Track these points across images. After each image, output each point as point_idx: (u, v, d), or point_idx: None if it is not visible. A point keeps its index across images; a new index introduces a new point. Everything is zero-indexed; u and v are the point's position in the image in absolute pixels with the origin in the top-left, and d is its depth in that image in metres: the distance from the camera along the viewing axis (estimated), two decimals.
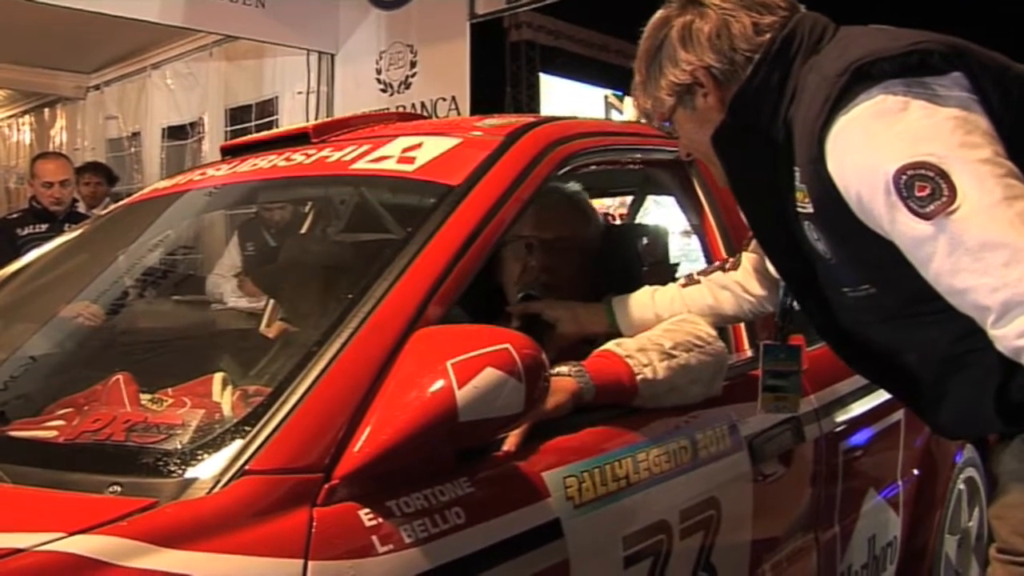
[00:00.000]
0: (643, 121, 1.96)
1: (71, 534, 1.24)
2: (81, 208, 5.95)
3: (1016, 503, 1.44)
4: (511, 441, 1.66)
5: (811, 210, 1.61)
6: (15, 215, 5.81)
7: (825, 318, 1.81)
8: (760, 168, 1.71)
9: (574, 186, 2.48)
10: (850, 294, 1.68)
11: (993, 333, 1.36)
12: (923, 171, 1.38)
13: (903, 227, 1.42)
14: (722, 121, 1.74)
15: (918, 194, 1.38)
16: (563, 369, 1.85)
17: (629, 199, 3.56)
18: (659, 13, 1.79)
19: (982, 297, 1.35)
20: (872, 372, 1.92)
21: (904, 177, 1.39)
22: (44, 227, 5.34)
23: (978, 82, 1.47)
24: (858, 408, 2.56)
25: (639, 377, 1.89)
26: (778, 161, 1.66)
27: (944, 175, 1.36)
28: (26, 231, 5.37)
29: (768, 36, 1.68)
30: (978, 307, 1.37)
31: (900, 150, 1.41)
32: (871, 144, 1.46)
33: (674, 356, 1.96)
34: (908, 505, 2.86)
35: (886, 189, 1.41)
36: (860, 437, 2.60)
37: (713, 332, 2.07)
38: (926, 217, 1.37)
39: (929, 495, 2.98)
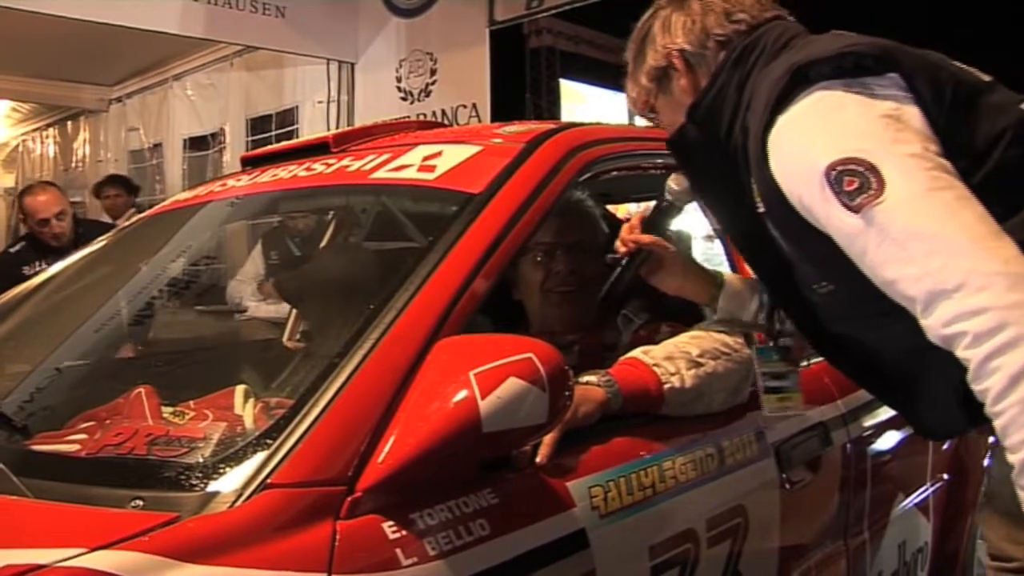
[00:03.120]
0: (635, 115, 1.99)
1: (92, 550, 1.24)
2: (104, 218, 5.76)
3: (1005, 510, 1.42)
4: (543, 452, 1.65)
5: (763, 209, 1.66)
6: (15, 249, 5.46)
7: (807, 320, 1.82)
8: (725, 171, 1.75)
9: (585, 191, 2.46)
10: (819, 291, 1.71)
11: (922, 323, 1.36)
12: (852, 166, 1.41)
13: (837, 222, 1.45)
14: (680, 126, 1.80)
15: (847, 188, 1.41)
16: (591, 378, 1.83)
17: (651, 204, 3.54)
18: (650, 9, 1.88)
19: (908, 287, 1.37)
20: (855, 373, 1.92)
21: (834, 172, 1.43)
22: (50, 262, 4.92)
23: (912, 82, 1.51)
24: (885, 412, 2.53)
25: (666, 386, 1.88)
26: (742, 164, 1.69)
27: (874, 169, 1.40)
28: (33, 270, 5.00)
29: (740, 27, 1.75)
30: (907, 297, 1.38)
31: (832, 146, 1.46)
32: (807, 141, 1.51)
33: (701, 364, 1.94)
34: (938, 510, 2.83)
35: (820, 184, 1.45)
36: (888, 441, 2.57)
37: (740, 339, 2.05)
38: (855, 210, 1.41)
39: (959, 499, 2.95)
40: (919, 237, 1.35)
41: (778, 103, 1.55)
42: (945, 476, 2.87)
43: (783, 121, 1.55)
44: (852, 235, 1.43)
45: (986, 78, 1.62)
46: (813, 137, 1.51)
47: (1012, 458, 1.28)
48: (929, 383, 1.42)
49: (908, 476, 2.72)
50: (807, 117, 1.52)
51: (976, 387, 1.30)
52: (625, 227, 2.07)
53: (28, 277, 4.83)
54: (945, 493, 2.86)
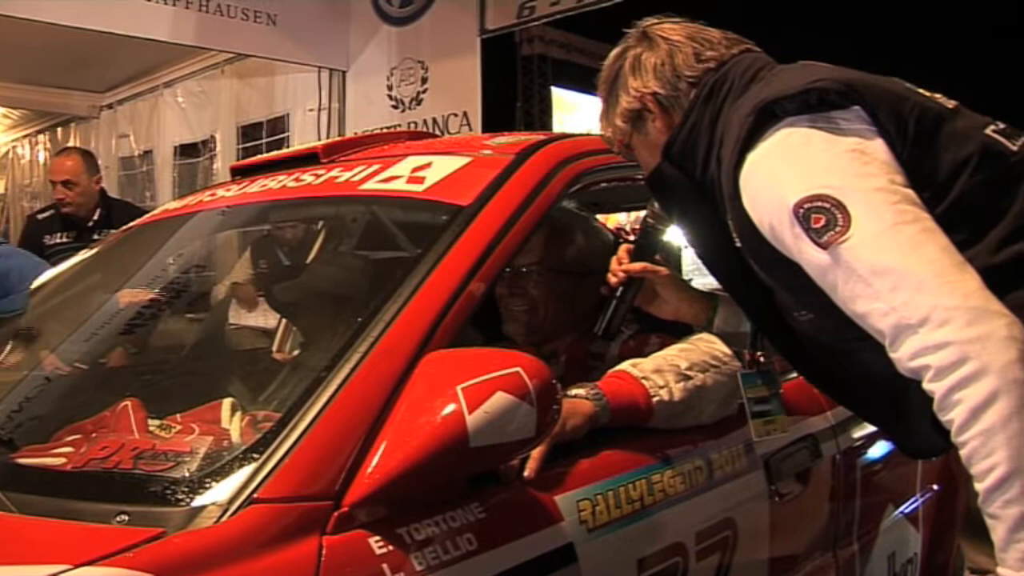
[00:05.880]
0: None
1: (77, 566, 1.23)
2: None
3: (981, 523, 1.45)
4: (531, 466, 1.65)
5: (739, 243, 1.69)
6: (43, 215, 5.42)
7: (790, 346, 1.85)
8: (703, 207, 1.78)
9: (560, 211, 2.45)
10: (799, 319, 1.73)
11: (891, 356, 1.40)
12: (820, 203, 1.45)
13: (808, 257, 1.48)
14: (656, 165, 1.82)
15: (814, 225, 1.45)
16: (580, 392, 1.83)
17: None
18: (618, 46, 1.90)
19: (876, 321, 1.40)
20: (839, 394, 1.97)
21: (802, 210, 1.46)
22: (72, 236, 5.07)
23: (875, 115, 1.54)
24: None
25: (655, 399, 1.88)
26: (718, 199, 1.72)
27: (840, 206, 1.43)
28: (53, 240, 5.10)
29: (710, 65, 1.78)
30: (876, 331, 1.42)
31: (800, 183, 1.49)
32: (776, 178, 1.54)
33: (690, 377, 1.94)
34: (928, 521, 2.83)
35: (790, 222, 1.48)
36: (877, 452, 2.57)
37: (729, 351, 2.05)
38: (823, 247, 1.44)
39: (949, 510, 2.95)
40: (884, 273, 1.39)
41: (747, 141, 1.58)
42: (935, 487, 2.87)
43: (752, 158, 1.57)
44: (823, 270, 1.47)
45: (950, 104, 1.64)
46: (781, 174, 1.53)
47: (977, 486, 1.32)
48: (912, 402, 1.44)
49: (898, 487, 2.72)
50: (775, 154, 1.55)
51: (942, 417, 1.34)
52: (614, 259, 2.09)
53: (48, 247, 4.96)
54: (935, 504, 2.86)
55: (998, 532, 1.31)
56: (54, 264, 4.75)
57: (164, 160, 8.47)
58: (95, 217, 5.14)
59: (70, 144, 9.77)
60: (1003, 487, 1.28)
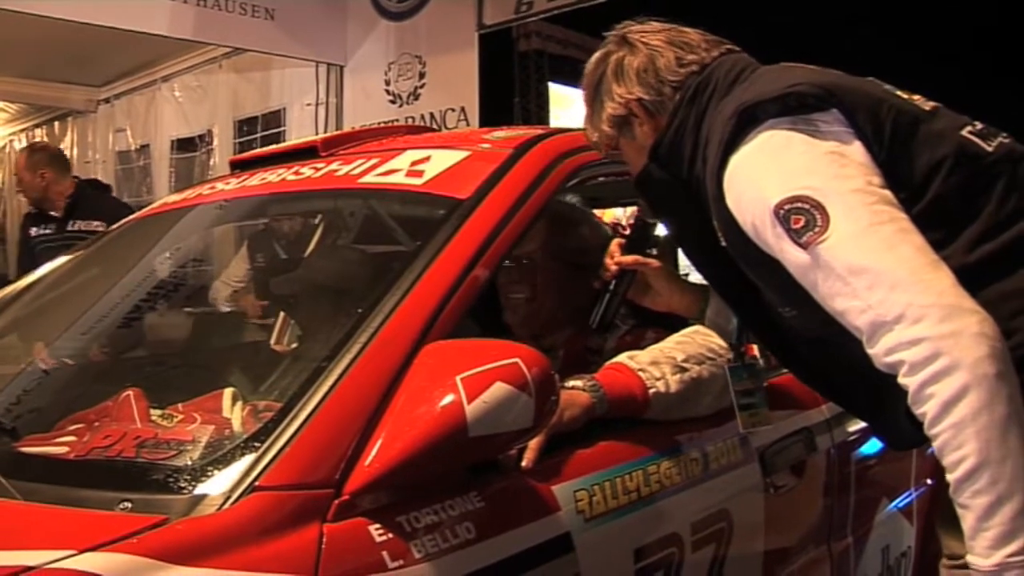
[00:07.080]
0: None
1: (81, 552, 1.25)
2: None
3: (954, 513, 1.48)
4: (529, 456, 1.67)
5: (725, 243, 1.71)
6: (28, 211, 5.65)
7: (777, 341, 1.88)
8: (690, 207, 1.80)
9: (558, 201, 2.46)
10: (786, 315, 1.76)
11: (868, 352, 1.43)
12: (799, 204, 1.48)
13: (789, 256, 1.51)
14: (644, 166, 1.84)
15: (794, 226, 1.48)
16: (577, 383, 1.85)
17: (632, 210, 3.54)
18: (599, 51, 1.92)
19: (854, 319, 1.44)
20: (824, 388, 1.99)
21: (783, 211, 1.49)
22: (51, 228, 5.27)
23: (853, 117, 1.57)
24: None
25: (651, 391, 1.89)
26: (703, 198, 1.73)
27: (819, 206, 1.47)
28: (37, 232, 5.30)
29: (692, 68, 1.79)
30: (854, 328, 1.45)
31: (781, 184, 1.52)
32: (758, 180, 1.57)
33: (686, 369, 1.96)
34: (922, 514, 2.84)
35: (771, 222, 1.51)
36: (872, 446, 2.58)
37: (724, 344, 2.06)
38: (803, 246, 1.48)
39: (943, 504, 2.95)
40: (861, 272, 1.42)
41: (729, 143, 1.60)
42: (929, 481, 2.88)
43: (735, 160, 1.60)
44: (803, 269, 1.50)
45: (927, 107, 1.66)
46: (763, 176, 1.56)
47: (948, 477, 1.36)
48: (896, 395, 1.47)
49: (892, 480, 2.73)
50: (757, 156, 1.58)
51: (916, 410, 1.38)
52: (607, 253, 2.11)
53: (33, 239, 5.25)
54: (929, 497, 2.87)
55: (967, 521, 1.35)
56: (38, 254, 4.99)
57: (161, 154, 8.46)
58: (64, 207, 5.30)
59: (67, 138, 9.80)
60: (972, 478, 1.32)
